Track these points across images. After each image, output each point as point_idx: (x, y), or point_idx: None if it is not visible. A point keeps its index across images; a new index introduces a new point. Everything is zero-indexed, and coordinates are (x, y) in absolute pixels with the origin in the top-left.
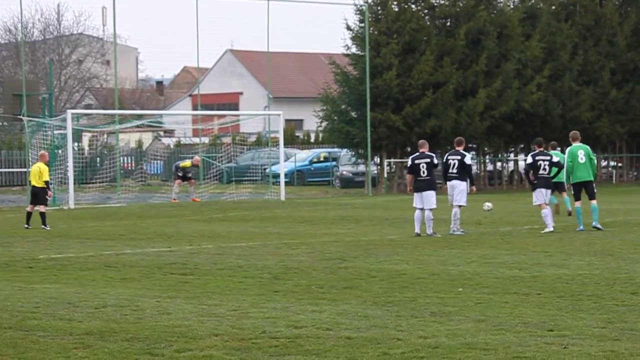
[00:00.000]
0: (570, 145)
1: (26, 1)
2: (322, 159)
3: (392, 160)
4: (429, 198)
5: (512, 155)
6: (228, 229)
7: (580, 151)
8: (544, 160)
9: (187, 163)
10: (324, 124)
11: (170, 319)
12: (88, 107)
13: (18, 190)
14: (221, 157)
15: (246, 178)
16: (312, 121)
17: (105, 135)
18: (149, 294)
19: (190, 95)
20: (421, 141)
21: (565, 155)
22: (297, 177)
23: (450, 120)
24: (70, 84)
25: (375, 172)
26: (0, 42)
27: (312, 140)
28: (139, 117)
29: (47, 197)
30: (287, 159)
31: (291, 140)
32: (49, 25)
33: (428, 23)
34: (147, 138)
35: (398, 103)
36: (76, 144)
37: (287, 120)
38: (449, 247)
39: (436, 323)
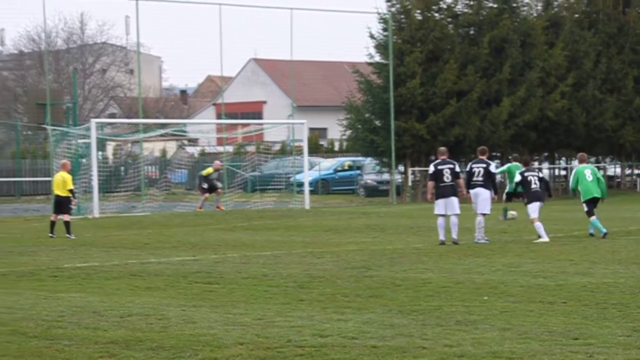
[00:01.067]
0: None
1: (50, 10)
2: (346, 167)
3: (416, 168)
4: (454, 204)
5: (536, 163)
6: (253, 237)
7: (587, 170)
8: (532, 176)
9: (209, 170)
10: (348, 132)
11: (196, 327)
12: (112, 116)
13: (42, 199)
14: (245, 165)
15: (270, 187)
16: (336, 130)
17: (130, 144)
18: (174, 302)
19: (214, 104)
20: (442, 148)
21: (571, 176)
22: (322, 186)
23: (474, 129)
24: (94, 93)
25: (400, 180)
26: (24, 51)
27: (336, 148)
28: (163, 126)
29: (71, 206)
30: (311, 167)
31: (315, 149)
32: (72, 35)
33: (452, 31)
34: (171, 147)
35: (422, 111)
36: (100, 153)
37: (311, 129)
38: (474, 256)
39: (461, 332)
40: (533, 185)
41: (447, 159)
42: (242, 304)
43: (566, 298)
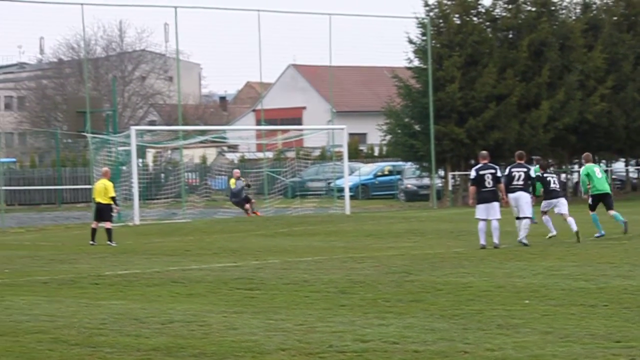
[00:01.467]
0: (584, 164)
1: (89, 18)
2: (386, 172)
3: (456, 173)
4: (495, 208)
5: (576, 166)
6: (293, 243)
7: (597, 168)
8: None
9: (231, 183)
10: (388, 137)
11: (237, 334)
12: (152, 123)
13: (83, 207)
14: (285, 171)
15: (311, 192)
16: (375, 135)
17: (170, 151)
18: (216, 309)
19: (253, 110)
20: (483, 152)
21: (581, 176)
22: (362, 191)
23: (513, 132)
24: (134, 100)
25: (440, 185)
26: (64, 59)
27: (376, 153)
28: (203, 132)
29: (113, 213)
30: (351, 172)
31: (355, 154)
32: (111, 42)
33: (490, 35)
34: (211, 153)
35: (461, 116)
36: (140, 160)
37: (350, 134)
38: (515, 259)
39: (503, 335)
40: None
41: (489, 164)
42: (283, 310)
43: (607, 301)
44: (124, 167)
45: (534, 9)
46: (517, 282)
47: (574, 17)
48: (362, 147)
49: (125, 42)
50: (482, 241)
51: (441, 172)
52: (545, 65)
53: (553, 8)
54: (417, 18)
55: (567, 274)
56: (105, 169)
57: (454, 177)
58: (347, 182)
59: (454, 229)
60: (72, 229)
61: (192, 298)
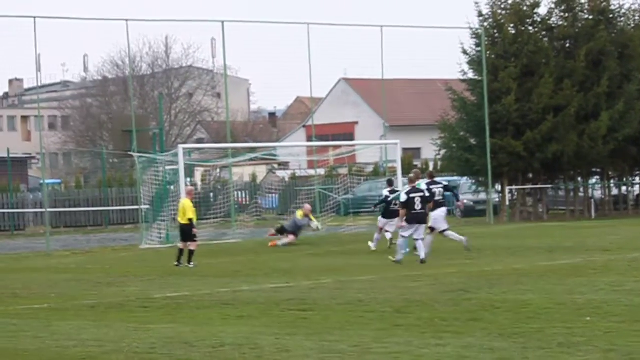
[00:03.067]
0: None
1: (134, 35)
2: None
3: (513, 187)
4: (421, 229)
5: (637, 179)
6: (347, 262)
7: None
8: (418, 196)
9: (298, 214)
10: (443, 152)
11: (290, 356)
12: (200, 141)
13: (130, 228)
14: (338, 188)
15: (364, 209)
16: (430, 149)
17: (218, 170)
18: (268, 331)
19: (304, 126)
20: (411, 176)
21: None
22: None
23: (572, 145)
24: (181, 118)
25: (497, 200)
26: (108, 77)
27: (431, 168)
28: (252, 150)
29: (193, 234)
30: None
31: (409, 170)
32: (157, 59)
33: (546, 45)
34: (261, 171)
35: (518, 128)
36: (189, 179)
37: (404, 149)
38: (575, 276)
39: (564, 354)
40: (416, 207)
41: (416, 187)
42: (337, 331)
43: None
44: (171, 187)
45: (591, 17)
46: (578, 298)
47: (632, 25)
48: (417, 162)
49: (172, 58)
50: (399, 257)
51: (498, 187)
52: (604, 74)
53: (611, 16)
54: (471, 29)
55: (629, 289)
56: (189, 187)
57: (511, 191)
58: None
59: (511, 245)
60: (119, 251)
61: (243, 320)
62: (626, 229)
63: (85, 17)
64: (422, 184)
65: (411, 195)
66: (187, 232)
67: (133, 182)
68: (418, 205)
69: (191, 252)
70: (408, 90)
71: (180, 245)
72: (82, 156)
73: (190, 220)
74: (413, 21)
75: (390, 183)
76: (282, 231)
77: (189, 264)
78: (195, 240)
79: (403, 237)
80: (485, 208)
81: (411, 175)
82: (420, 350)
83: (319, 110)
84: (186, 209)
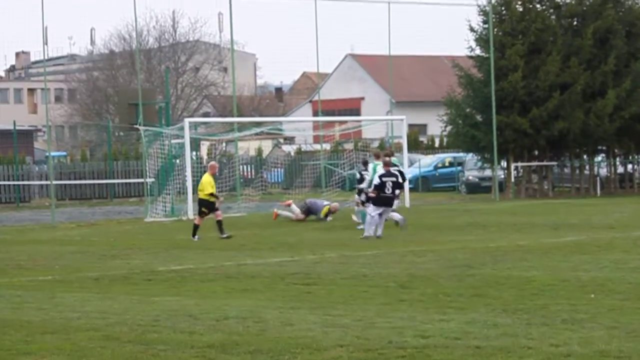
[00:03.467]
0: None
1: (141, 9)
2: (447, 164)
3: (519, 164)
4: (388, 211)
5: None
6: (351, 237)
7: None
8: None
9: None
10: (449, 128)
11: (294, 330)
12: (206, 115)
13: (135, 201)
14: (343, 164)
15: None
16: (436, 125)
17: (224, 144)
18: (272, 305)
19: (310, 101)
20: (386, 159)
21: None
22: (422, 183)
23: (578, 122)
24: (187, 92)
25: (502, 176)
26: (115, 50)
27: (437, 145)
28: (258, 124)
29: (216, 205)
30: (411, 164)
31: (415, 146)
32: (164, 33)
33: (554, 22)
34: (266, 146)
35: (524, 105)
36: (194, 153)
37: (410, 125)
38: (580, 253)
39: (568, 331)
40: (387, 190)
41: (392, 170)
42: (341, 305)
43: None
44: (177, 160)
45: None
46: (582, 275)
47: None
48: (422, 139)
49: (179, 32)
50: (371, 232)
51: (503, 164)
52: (611, 52)
53: None
54: (478, 5)
55: (634, 267)
56: (212, 163)
57: (516, 168)
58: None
59: (516, 221)
60: (124, 224)
61: (247, 294)
62: (631, 207)
63: None
64: (378, 166)
65: (384, 179)
66: (206, 206)
67: (138, 155)
68: (389, 189)
69: (219, 223)
70: (415, 66)
71: (196, 220)
72: (88, 129)
73: (211, 194)
74: None
75: (365, 164)
76: (308, 212)
77: (222, 234)
78: (212, 212)
79: (372, 216)
80: (491, 185)
81: (386, 158)
82: (424, 326)
83: (325, 86)
84: (204, 185)
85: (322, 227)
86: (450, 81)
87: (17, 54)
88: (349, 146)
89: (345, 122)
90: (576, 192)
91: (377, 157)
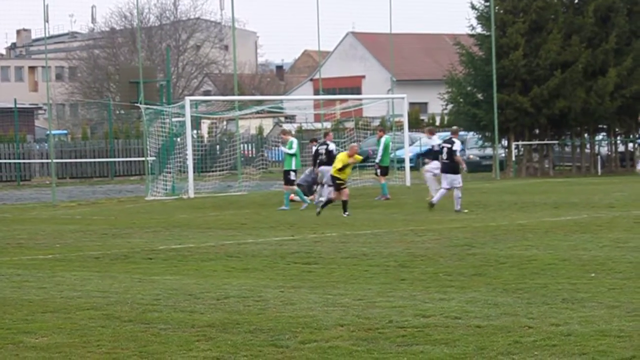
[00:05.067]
0: None
1: None
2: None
3: (520, 142)
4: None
5: None
6: (352, 216)
7: None
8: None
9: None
10: (450, 106)
11: (295, 309)
12: (207, 93)
13: (136, 179)
14: (344, 142)
15: (369, 163)
16: (437, 104)
17: (225, 122)
18: (272, 284)
19: (311, 80)
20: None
21: None
22: (423, 162)
23: (579, 101)
24: (188, 70)
25: (503, 155)
26: (116, 28)
27: (438, 123)
28: (259, 102)
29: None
30: (412, 143)
31: (416, 124)
32: (165, 11)
33: (555, 0)
34: (267, 124)
35: (525, 84)
36: (195, 131)
37: (411, 104)
38: (581, 232)
39: (568, 310)
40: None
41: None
42: (341, 285)
43: None
44: (178, 139)
45: None
46: (583, 254)
47: None
48: (423, 117)
49: (180, 10)
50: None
51: (504, 142)
52: (612, 31)
53: None
54: None
55: (634, 246)
56: (352, 145)
57: (517, 147)
58: (407, 153)
59: (517, 200)
60: (124, 203)
61: (248, 273)
62: (632, 186)
63: None
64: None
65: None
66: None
67: (139, 134)
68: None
69: (344, 203)
70: (416, 44)
71: (332, 195)
72: (88, 107)
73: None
74: None
75: (314, 141)
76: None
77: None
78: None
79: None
80: (492, 163)
81: (454, 127)
82: (425, 305)
83: (326, 64)
84: (336, 162)
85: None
86: (452, 59)
87: (18, 32)
88: (349, 124)
89: (346, 100)
90: (577, 170)
91: (432, 133)
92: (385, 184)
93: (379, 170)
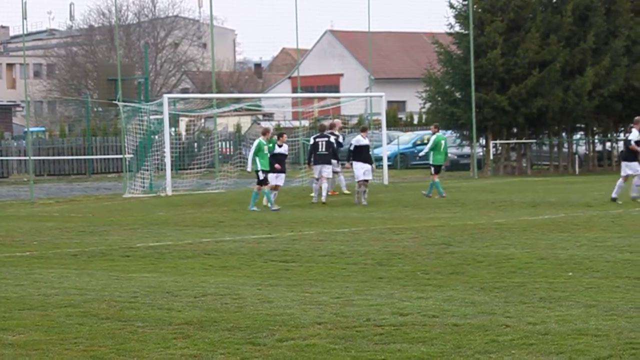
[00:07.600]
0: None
1: None
2: (425, 141)
3: (497, 141)
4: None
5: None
6: (330, 214)
7: None
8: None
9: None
10: (428, 105)
11: (272, 307)
12: (185, 91)
13: (114, 177)
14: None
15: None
16: (415, 102)
17: (203, 120)
18: (250, 282)
19: (289, 78)
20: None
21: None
22: (401, 160)
23: (557, 100)
24: (166, 67)
25: (481, 154)
26: (94, 25)
27: (415, 122)
28: (237, 100)
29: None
30: (389, 141)
31: (394, 123)
32: (143, 8)
33: None
34: (245, 122)
35: (503, 83)
36: (173, 129)
37: (389, 102)
38: (558, 231)
39: (545, 309)
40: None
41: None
42: (319, 283)
43: None
44: (156, 137)
45: None
46: (560, 254)
47: None
48: (401, 115)
49: (158, 7)
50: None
51: (482, 141)
52: (590, 30)
53: None
54: None
55: (611, 245)
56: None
57: (495, 145)
58: (385, 151)
59: (495, 199)
60: (102, 200)
61: (225, 270)
62: (610, 185)
63: None
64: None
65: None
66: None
67: (117, 131)
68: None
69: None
70: (394, 43)
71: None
72: (66, 104)
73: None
74: None
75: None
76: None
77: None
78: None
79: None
80: (469, 162)
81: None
82: (402, 303)
83: (304, 62)
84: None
85: (300, 203)
86: (430, 58)
87: None
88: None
89: (324, 98)
90: (555, 169)
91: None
92: (438, 183)
93: (432, 169)
